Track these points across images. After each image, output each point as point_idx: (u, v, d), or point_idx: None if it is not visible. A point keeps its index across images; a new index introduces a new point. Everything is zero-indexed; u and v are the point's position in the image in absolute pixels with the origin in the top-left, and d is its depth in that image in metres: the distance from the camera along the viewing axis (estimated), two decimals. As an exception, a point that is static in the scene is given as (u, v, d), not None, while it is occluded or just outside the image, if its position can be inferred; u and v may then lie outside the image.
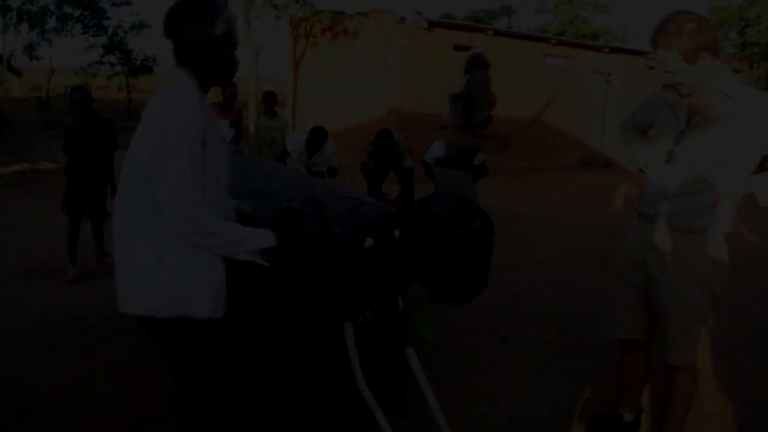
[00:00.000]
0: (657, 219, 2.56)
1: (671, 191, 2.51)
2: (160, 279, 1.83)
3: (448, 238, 2.77)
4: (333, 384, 2.75)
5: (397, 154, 7.20)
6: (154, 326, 1.90)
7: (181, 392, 2.08)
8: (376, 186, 7.51)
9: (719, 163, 2.39)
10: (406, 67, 12.50)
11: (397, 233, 2.60)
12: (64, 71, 21.31)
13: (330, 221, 2.40)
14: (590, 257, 6.25)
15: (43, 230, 5.01)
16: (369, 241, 2.45)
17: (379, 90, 12.94)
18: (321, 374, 2.77)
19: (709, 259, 2.48)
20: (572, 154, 15.53)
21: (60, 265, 5.35)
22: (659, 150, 2.57)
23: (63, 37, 19.77)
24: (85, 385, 3.33)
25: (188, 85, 1.85)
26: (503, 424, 3.03)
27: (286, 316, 2.71)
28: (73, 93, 5.24)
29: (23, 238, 6.24)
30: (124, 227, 1.88)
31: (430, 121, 11.20)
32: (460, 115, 4.48)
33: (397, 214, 2.71)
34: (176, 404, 2.14)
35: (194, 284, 1.87)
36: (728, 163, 2.39)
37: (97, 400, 3.17)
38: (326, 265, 2.44)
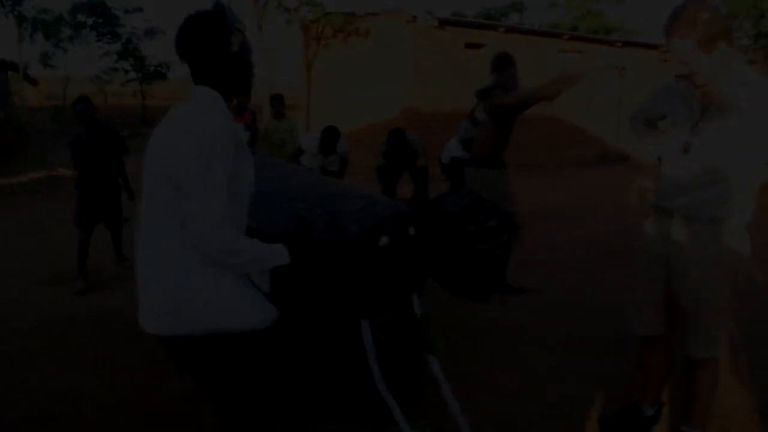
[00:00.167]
0: (676, 211, 2.53)
1: (690, 182, 2.48)
2: (195, 295, 1.81)
3: (462, 236, 2.75)
4: (352, 383, 2.75)
5: (410, 153, 7.19)
6: (187, 346, 1.86)
7: (221, 410, 2.05)
8: (391, 187, 7.50)
9: (737, 152, 2.37)
10: (418, 66, 12.50)
11: (411, 231, 2.60)
12: (79, 79, 21.58)
13: (339, 225, 2.41)
14: (609, 252, 6.21)
15: (61, 236, 5.07)
16: (384, 240, 2.44)
17: (392, 89, 12.95)
18: (340, 374, 2.77)
19: (732, 250, 2.46)
20: (588, 149, 15.45)
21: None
22: (675, 141, 2.54)
23: (77, 45, 20.02)
24: (108, 388, 3.36)
25: (216, 101, 1.85)
26: (524, 422, 3.02)
27: (303, 315, 2.72)
28: (76, 104, 5.08)
29: (42, 244, 6.32)
30: (153, 248, 1.85)
31: (443, 119, 11.20)
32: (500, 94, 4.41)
33: (412, 212, 2.70)
34: (197, 406, 2.15)
35: (245, 294, 1.89)
36: (746, 152, 2.37)
37: (119, 402, 3.21)
38: (342, 265, 2.44)
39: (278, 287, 2.24)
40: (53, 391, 3.33)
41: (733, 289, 2.50)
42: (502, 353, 3.81)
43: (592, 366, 3.60)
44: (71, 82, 20.46)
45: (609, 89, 16.10)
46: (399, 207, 2.69)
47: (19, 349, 3.91)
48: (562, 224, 7.59)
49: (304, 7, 15.76)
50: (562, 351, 3.84)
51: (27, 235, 6.96)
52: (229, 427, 2.06)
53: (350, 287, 2.51)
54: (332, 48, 15.16)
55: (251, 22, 16.39)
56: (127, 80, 22.02)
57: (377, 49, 13.53)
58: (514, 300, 4.66)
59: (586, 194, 10.15)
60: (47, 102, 20.19)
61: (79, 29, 20.57)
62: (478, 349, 3.84)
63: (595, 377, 3.45)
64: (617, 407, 3.02)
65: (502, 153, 4.61)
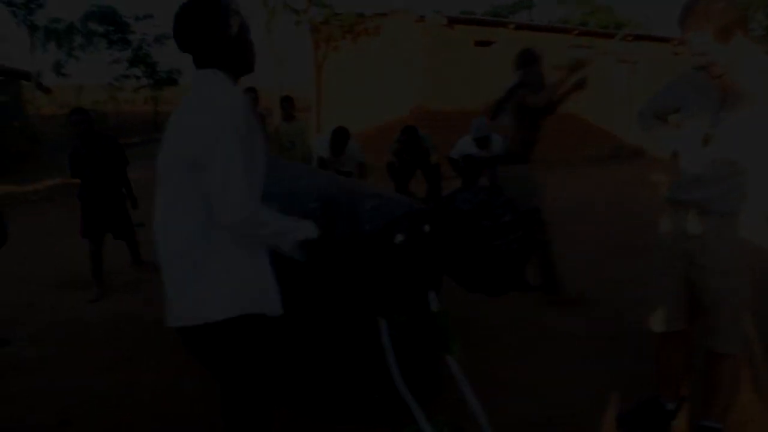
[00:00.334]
0: (696, 205, 2.49)
1: (709, 175, 2.44)
2: (224, 279, 1.81)
3: (477, 232, 2.73)
4: (370, 382, 2.73)
5: (422, 151, 7.17)
6: (212, 333, 1.86)
7: (229, 399, 2.04)
8: (404, 185, 7.48)
9: (759, 142, 2.33)
10: (428, 65, 12.48)
11: (426, 228, 2.58)
12: (91, 87, 21.75)
13: (355, 220, 2.39)
14: (625, 247, 6.16)
15: (76, 242, 5.08)
16: (399, 237, 2.43)
17: (402, 89, 12.94)
18: (358, 372, 2.75)
19: (752, 244, 2.42)
20: (600, 145, 15.33)
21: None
22: (693, 134, 2.50)
23: (89, 53, 20.22)
24: (124, 391, 3.37)
25: (224, 80, 1.85)
26: (542, 418, 2.99)
27: (321, 314, 2.71)
28: (72, 115, 4.96)
29: (58, 250, 6.36)
30: (175, 240, 1.84)
31: (454, 118, 11.17)
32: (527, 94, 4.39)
33: (426, 209, 2.69)
34: (213, 407, 2.14)
35: (258, 280, 1.88)
36: (766, 142, 2.33)
37: (135, 405, 3.21)
38: (358, 262, 2.42)
39: (296, 285, 2.23)
40: (68, 394, 3.34)
41: (752, 283, 2.47)
42: (520, 350, 3.78)
43: (611, 363, 3.56)
44: (84, 90, 20.66)
45: (620, 84, 15.97)
46: (413, 204, 2.67)
47: (35, 353, 3.94)
48: (576, 221, 7.53)
49: (313, 8, 15.77)
50: (580, 346, 3.81)
51: (41, 242, 7.02)
52: (233, 416, 2.04)
53: (366, 285, 2.49)
54: (342, 49, 15.16)
55: (259, 23, 16.45)
56: (139, 87, 22.20)
57: (387, 49, 13.52)
58: (530, 295, 4.63)
59: (600, 191, 10.07)
60: (60, 110, 20.39)
61: (91, 37, 20.77)
62: (495, 347, 3.81)
63: (614, 374, 3.41)
64: (636, 402, 2.99)
65: (530, 149, 4.57)
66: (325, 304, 2.66)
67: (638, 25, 30.86)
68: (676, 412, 2.88)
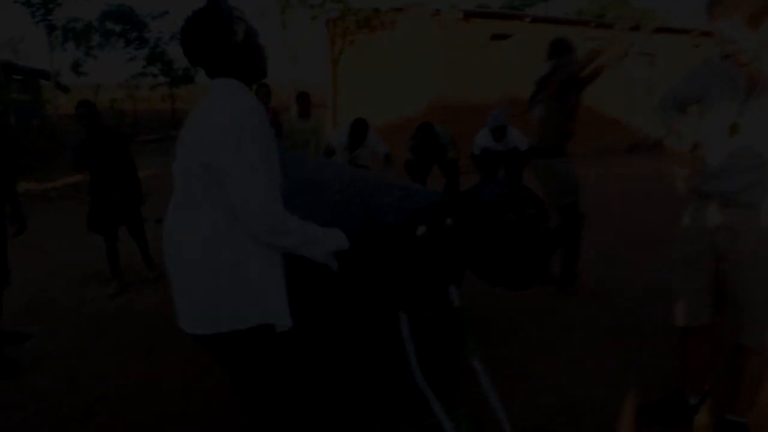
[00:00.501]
0: (724, 196, 2.44)
1: (738, 165, 2.39)
2: (240, 289, 1.79)
3: (501, 225, 2.70)
4: (390, 375, 2.72)
5: (439, 146, 7.13)
6: (228, 341, 1.83)
7: (251, 408, 2.02)
8: (421, 181, 7.45)
9: None
10: (444, 60, 12.42)
11: (449, 221, 2.55)
12: (109, 86, 21.91)
13: (376, 216, 2.38)
14: (645, 240, 6.10)
15: (97, 238, 5.10)
16: (422, 229, 2.40)
17: (419, 84, 12.89)
18: (378, 365, 2.74)
19: None
20: (619, 138, 15.18)
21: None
22: (718, 124, 2.45)
23: (107, 52, 20.37)
24: (146, 384, 3.39)
25: (238, 87, 1.85)
26: (564, 412, 2.96)
27: (342, 308, 2.69)
28: (78, 107, 4.87)
29: (79, 246, 6.40)
30: (190, 248, 1.81)
31: (471, 112, 11.10)
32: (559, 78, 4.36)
33: (449, 202, 2.66)
34: (233, 403, 2.13)
35: (277, 289, 1.86)
36: None
37: (158, 397, 3.23)
38: (379, 255, 2.40)
39: (315, 280, 2.21)
40: (92, 388, 3.37)
41: None
42: (540, 343, 3.77)
43: (631, 355, 3.54)
44: (101, 88, 20.81)
45: (639, 76, 15.79)
46: (436, 197, 2.64)
47: (56, 348, 3.97)
48: (596, 214, 7.45)
49: (329, 3, 15.72)
50: (600, 339, 3.79)
51: (61, 238, 7.08)
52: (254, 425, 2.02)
53: (388, 278, 2.47)
54: (358, 44, 15.12)
55: (275, 18, 16.44)
56: (156, 84, 22.32)
57: (402, 43, 13.47)
58: (550, 288, 4.61)
59: (618, 183, 9.98)
60: (79, 109, 20.57)
61: (108, 36, 20.94)
62: (514, 339, 3.79)
63: (634, 367, 3.39)
64: (657, 396, 2.95)
65: (567, 141, 4.52)
66: (345, 298, 2.65)
67: (657, 17, 30.54)
68: (698, 407, 2.84)
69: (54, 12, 18.02)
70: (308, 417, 2.03)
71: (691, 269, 2.61)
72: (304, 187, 2.75)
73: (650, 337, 3.74)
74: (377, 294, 2.54)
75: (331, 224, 2.05)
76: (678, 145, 2.87)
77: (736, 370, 2.60)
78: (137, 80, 22.12)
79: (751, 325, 2.45)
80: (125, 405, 3.18)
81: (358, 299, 2.62)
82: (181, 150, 1.86)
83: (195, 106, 1.93)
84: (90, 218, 5.02)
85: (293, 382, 1.98)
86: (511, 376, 3.19)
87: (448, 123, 9.81)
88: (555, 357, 3.56)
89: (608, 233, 6.48)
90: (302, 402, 2.02)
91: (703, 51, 15.23)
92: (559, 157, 4.48)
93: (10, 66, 16.30)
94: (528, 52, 13.26)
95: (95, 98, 19.59)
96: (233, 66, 1.85)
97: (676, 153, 13.14)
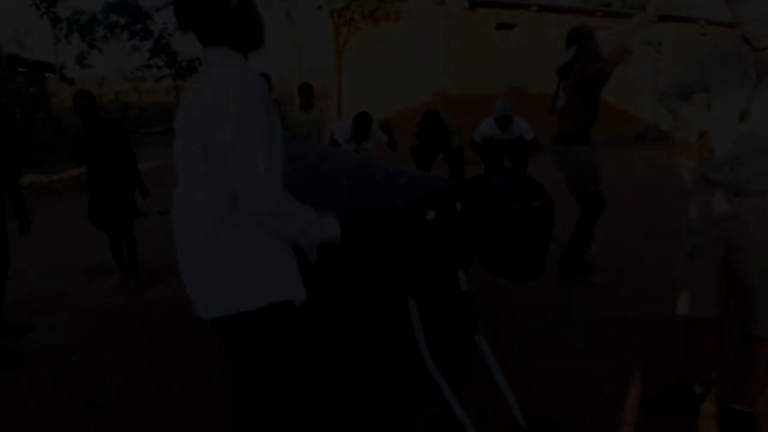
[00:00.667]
0: (733, 184, 2.39)
1: (747, 153, 2.34)
2: (253, 267, 1.75)
3: (506, 216, 2.67)
4: (399, 360, 2.69)
5: (444, 134, 7.08)
6: (246, 322, 1.79)
7: (248, 390, 1.98)
8: (426, 168, 7.40)
9: None
10: (449, 49, 12.33)
11: (458, 206, 2.52)
12: (114, 78, 21.87)
13: (385, 201, 2.34)
14: (650, 231, 6.08)
15: (100, 231, 5.07)
16: (431, 214, 2.37)
17: (424, 73, 12.81)
18: (387, 351, 2.71)
19: None
20: (625, 128, 15.07)
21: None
22: (727, 111, 2.39)
23: (111, 44, 20.31)
24: (149, 376, 3.37)
25: (233, 58, 1.77)
26: (568, 401, 2.94)
27: (349, 292, 2.66)
28: (77, 97, 4.71)
29: (84, 238, 6.39)
30: (198, 229, 1.76)
31: (476, 101, 11.04)
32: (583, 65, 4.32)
33: (458, 187, 2.63)
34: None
35: (285, 267, 1.82)
36: None
37: (160, 389, 3.21)
38: (388, 239, 2.37)
39: (326, 262, 2.18)
40: (95, 379, 3.35)
41: None
42: (546, 333, 3.73)
43: (637, 346, 3.51)
44: (106, 81, 20.76)
45: (644, 66, 15.66)
46: (446, 182, 2.62)
47: (61, 339, 3.95)
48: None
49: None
50: (605, 331, 3.76)
51: (67, 229, 7.07)
52: (249, 407, 1.98)
53: (396, 262, 2.44)
54: (362, 33, 15.04)
55: (280, 9, 16.36)
56: (160, 77, 22.26)
57: (408, 33, 13.38)
58: (555, 279, 4.58)
59: (625, 174, 9.91)
60: (84, 101, 20.55)
61: (113, 29, 20.88)
62: (521, 330, 3.77)
63: (639, 357, 3.36)
64: (663, 387, 2.92)
65: (590, 128, 4.48)
66: (352, 282, 2.62)
67: (663, 6, 30.26)
68: (704, 397, 2.81)
69: (58, 4, 17.97)
70: (308, 408, 1.99)
71: (700, 260, 2.57)
72: (315, 172, 2.73)
73: (656, 326, 3.71)
74: (381, 279, 2.51)
75: (342, 210, 2.02)
76: (685, 136, 2.82)
77: (744, 359, 2.57)
78: (142, 72, 22.05)
79: (761, 314, 2.41)
80: (130, 396, 3.16)
81: (360, 285, 2.60)
82: (181, 128, 1.80)
83: (190, 82, 1.85)
84: (90, 212, 4.94)
85: (298, 370, 1.93)
86: (515, 368, 3.15)
87: (453, 113, 9.75)
88: (560, 347, 3.53)
89: (615, 224, 6.44)
90: (304, 392, 1.97)
91: (710, 40, 15.10)
92: (581, 145, 4.42)
93: (15, 59, 16.30)
94: (534, 41, 13.17)
95: (100, 90, 19.61)
96: (226, 34, 1.75)
97: (684, 144, 13.07)
